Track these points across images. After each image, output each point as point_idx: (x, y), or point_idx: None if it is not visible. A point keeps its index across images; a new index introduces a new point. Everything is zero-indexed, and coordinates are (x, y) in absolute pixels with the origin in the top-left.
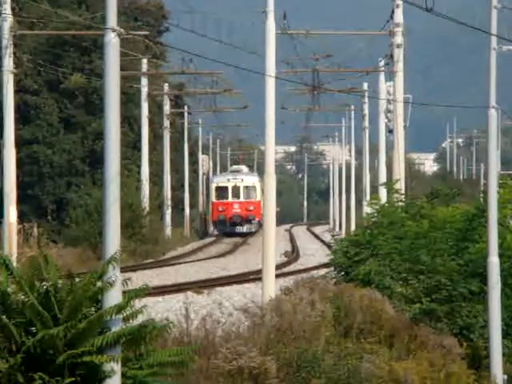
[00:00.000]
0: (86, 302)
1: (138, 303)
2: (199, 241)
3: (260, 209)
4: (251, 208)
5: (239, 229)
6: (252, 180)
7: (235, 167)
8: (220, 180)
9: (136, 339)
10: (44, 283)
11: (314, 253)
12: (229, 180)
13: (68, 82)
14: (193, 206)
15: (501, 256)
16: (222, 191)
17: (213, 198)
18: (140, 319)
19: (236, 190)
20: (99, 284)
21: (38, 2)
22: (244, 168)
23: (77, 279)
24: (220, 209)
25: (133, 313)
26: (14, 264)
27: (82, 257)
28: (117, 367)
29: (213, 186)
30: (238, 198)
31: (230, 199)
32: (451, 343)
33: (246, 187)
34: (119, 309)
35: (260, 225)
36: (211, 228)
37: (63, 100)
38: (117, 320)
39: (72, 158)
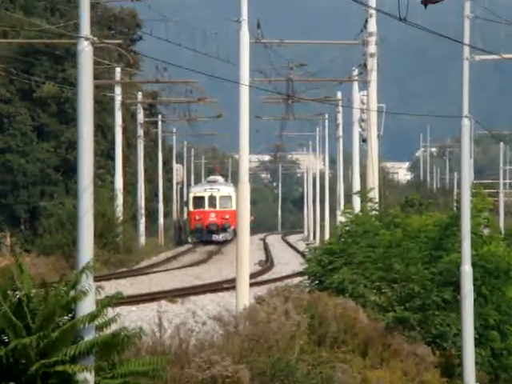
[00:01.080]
0: (59, 311)
1: (111, 312)
2: (173, 249)
3: (235, 217)
4: (227, 217)
5: (215, 237)
6: (228, 190)
7: (212, 178)
8: (197, 190)
9: (109, 348)
10: (17, 292)
11: (288, 261)
12: (205, 190)
13: (41, 91)
14: (167, 215)
15: (474, 265)
16: (199, 201)
17: (190, 208)
18: (113, 328)
19: (212, 199)
20: (72, 293)
21: (10, 10)
22: (220, 178)
23: (49, 288)
24: (197, 217)
25: (106, 321)
26: None
27: (56, 266)
28: (90, 377)
29: (190, 195)
30: (215, 207)
31: (207, 208)
32: (424, 352)
33: (222, 197)
34: (92, 317)
35: (235, 233)
36: (188, 236)
37: (36, 109)
38: (90, 329)
39: (45, 167)
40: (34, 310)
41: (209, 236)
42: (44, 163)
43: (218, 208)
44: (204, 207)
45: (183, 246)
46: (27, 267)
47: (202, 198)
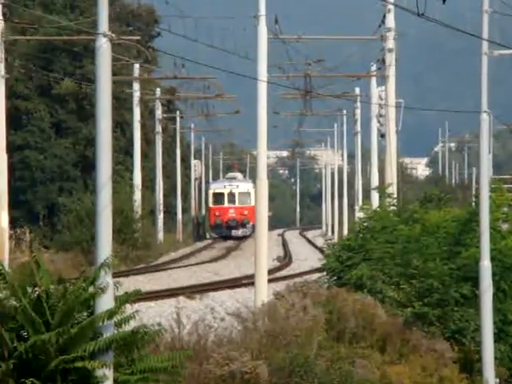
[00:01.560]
0: (78, 308)
1: (130, 308)
2: (192, 245)
3: (254, 213)
4: (246, 213)
5: (235, 232)
6: (246, 186)
7: (231, 174)
8: (217, 186)
9: (128, 345)
10: (36, 289)
11: (306, 257)
12: (225, 186)
13: (59, 88)
14: (185, 210)
15: (492, 260)
16: (218, 197)
17: (210, 204)
18: (132, 324)
19: (231, 195)
20: (91, 289)
21: (29, 7)
22: (239, 175)
23: (68, 284)
24: (217, 213)
25: (125, 318)
26: (7, 269)
27: (74, 262)
28: (109, 373)
29: (210, 192)
30: (234, 203)
31: (226, 204)
32: (443, 347)
33: (241, 193)
34: (111, 314)
35: (254, 229)
36: (207, 232)
37: (54, 105)
38: (109, 325)
39: (64, 163)
40: (53, 306)
41: (228, 231)
42: (62, 159)
43: (237, 204)
44: (223, 203)
45: (202, 241)
46: (46, 263)
47: (221, 195)
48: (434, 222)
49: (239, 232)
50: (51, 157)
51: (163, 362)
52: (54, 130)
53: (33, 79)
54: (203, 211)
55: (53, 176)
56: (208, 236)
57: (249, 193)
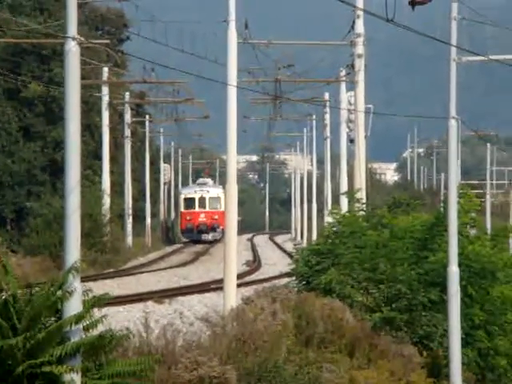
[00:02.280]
0: (46, 312)
1: (98, 313)
2: (161, 250)
3: (224, 218)
4: (216, 217)
5: (205, 236)
6: (217, 191)
7: (201, 180)
8: (188, 192)
9: (96, 349)
10: (3, 293)
11: (275, 262)
12: (196, 192)
13: (27, 91)
14: (154, 215)
15: (459, 265)
16: (189, 202)
17: (181, 208)
18: (100, 329)
19: (202, 200)
20: (59, 294)
21: None
22: (209, 181)
23: (36, 289)
24: (188, 218)
25: (93, 322)
26: None
27: (42, 266)
28: (77, 377)
29: (181, 196)
30: (204, 207)
31: (197, 209)
32: (411, 352)
33: (212, 198)
34: (79, 318)
35: (224, 233)
36: (175, 236)
37: (22, 109)
38: (76, 330)
39: (32, 167)
40: (20, 310)
41: (199, 236)
42: (30, 163)
43: (207, 209)
44: (194, 208)
45: (173, 245)
46: (13, 267)
47: (192, 199)
48: (402, 227)
49: (209, 236)
50: (19, 160)
51: (131, 366)
52: (22, 134)
53: (0, 82)
54: (172, 215)
55: (21, 180)
56: (178, 240)
57: (219, 198)
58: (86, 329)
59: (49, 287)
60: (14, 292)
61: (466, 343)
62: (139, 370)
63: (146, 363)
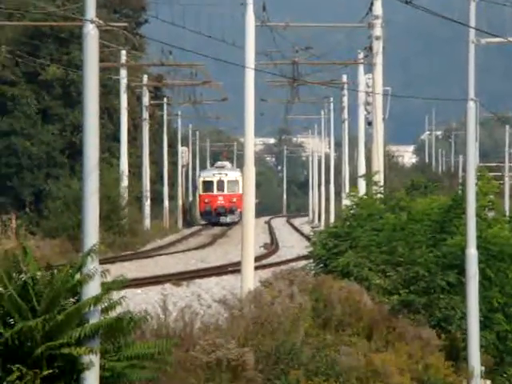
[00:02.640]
0: (65, 294)
1: (116, 295)
2: (178, 232)
3: (242, 201)
4: (234, 200)
5: (223, 219)
6: (235, 175)
7: (220, 163)
8: (206, 175)
9: (114, 331)
10: (22, 275)
11: (293, 245)
12: (214, 175)
13: (46, 74)
14: (172, 197)
15: (478, 247)
16: (208, 185)
17: (200, 191)
18: (119, 311)
19: (220, 183)
20: (78, 276)
21: None
22: (228, 164)
23: (55, 271)
24: (206, 200)
25: (111, 304)
26: None
27: (61, 248)
28: (95, 359)
29: (200, 180)
30: (223, 191)
31: (215, 192)
32: (429, 335)
33: (230, 181)
34: (96, 300)
35: (242, 215)
36: (194, 219)
37: (41, 91)
38: (95, 312)
39: (51, 149)
40: (40, 292)
41: (217, 218)
42: (49, 146)
43: (225, 192)
44: (213, 191)
45: (191, 227)
46: (32, 250)
47: (210, 183)
48: (419, 209)
49: (227, 219)
50: (38, 143)
51: (150, 348)
52: (41, 116)
53: (19, 65)
54: (190, 198)
55: (40, 162)
56: (196, 222)
57: (237, 181)
58: (105, 310)
59: (67, 269)
60: (34, 274)
61: (484, 326)
62: (157, 353)
63: (164, 346)
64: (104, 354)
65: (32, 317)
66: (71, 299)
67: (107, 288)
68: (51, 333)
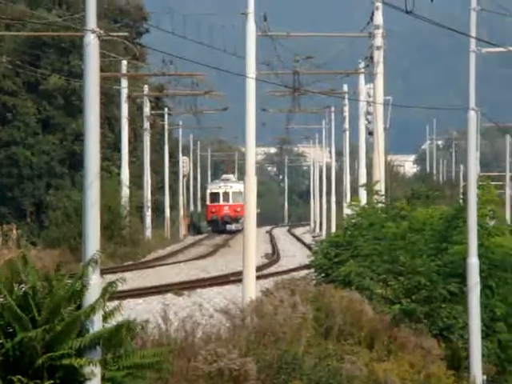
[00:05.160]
0: (65, 304)
1: (116, 303)
2: (180, 242)
3: None
4: (239, 209)
5: (229, 227)
6: (239, 187)
7: (225, 176)
8: (213, 187)
9: (113, 340)
10: (22, 285)
11: (294, 254)
12: (220, 187)
13: (47, 83)
14: (173, 207)
15: (479, 257)
16: (214, 196)
17: (207, 202)
18: (119, 320)
19: (226, 195)
20: (78, 286)
21: (14, 2)
22: (232, 177)
23: (55, 281)
24: (213, 210)
25: (111, 311)
26: None
27: (61, 259)
28: (96, 370)
29: (207, 191)
30: (228, 201)
31: (221, 202)
32: (431, 344)
33: (234, 192)
34: (92, 308)
35: None
36: (201, 227)
37: (42, 101)
38: (95, 321)
39: (51, 159)
40: (40, 302)
41: (223, 226)
42: (50, 156)
43: (230, 202)
44: (219, 201)
45: (194, 236)
46: (33, 260)
47: (217, 194)
48: (421, 219)
49: (233, 226)
50: (38, 153)
51: (149, 357)
52: (41, 126)
53: (20, 75)
54: (191, 208)
55: (40, 172)
56: (204, 230)
57: (241, 192)
58: (104, 318)
59: (68, 279)
60: (34, 284)
61: (486, 335)
62: (157, 362)
63: (164, 355)
64: (104, 363)
65: (32, 327)
66: (72, 309)
67: (102, 293)
68: (51, 343)
